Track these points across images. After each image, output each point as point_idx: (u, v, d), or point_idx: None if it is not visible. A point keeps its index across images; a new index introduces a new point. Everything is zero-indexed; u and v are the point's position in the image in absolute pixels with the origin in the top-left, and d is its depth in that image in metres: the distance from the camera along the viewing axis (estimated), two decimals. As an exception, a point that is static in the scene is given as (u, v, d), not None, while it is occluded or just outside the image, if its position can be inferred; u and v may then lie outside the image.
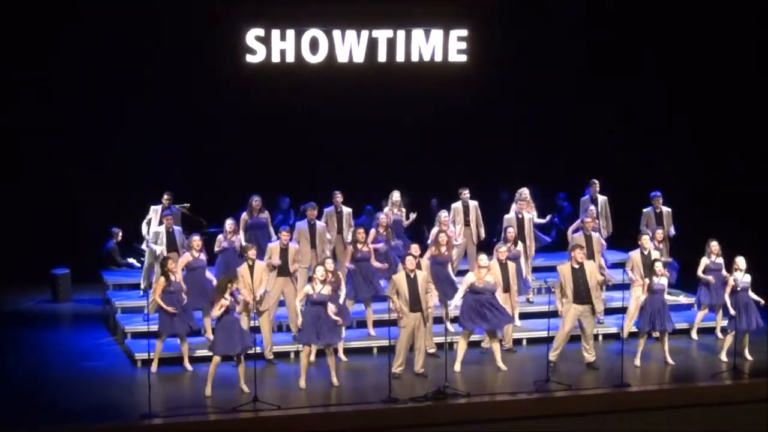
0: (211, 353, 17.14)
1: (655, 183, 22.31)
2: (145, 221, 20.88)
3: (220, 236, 19.83)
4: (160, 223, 20.27)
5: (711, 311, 20.00)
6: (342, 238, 20.73)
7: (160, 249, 19.88)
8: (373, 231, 19.92)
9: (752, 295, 18.60)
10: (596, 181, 22.00)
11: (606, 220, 21.79)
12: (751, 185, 24.81)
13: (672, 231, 21.16)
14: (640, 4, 25.21)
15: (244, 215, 20.46)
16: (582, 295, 18.10)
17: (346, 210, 21.00)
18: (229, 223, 19.82)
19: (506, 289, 18.40)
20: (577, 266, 18.15)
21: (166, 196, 21.07)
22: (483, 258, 18.10)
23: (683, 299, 20.93)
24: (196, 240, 18.98)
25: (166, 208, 20.87)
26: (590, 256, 19.79)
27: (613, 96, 25.53)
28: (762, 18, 24.44)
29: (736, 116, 25.16)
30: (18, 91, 22.96)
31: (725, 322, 19.21)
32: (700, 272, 19.47)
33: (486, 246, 20.48)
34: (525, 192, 21.39)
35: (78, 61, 23.15)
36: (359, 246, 19.34)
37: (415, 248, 18.56)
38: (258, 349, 17.76)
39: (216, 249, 19.68)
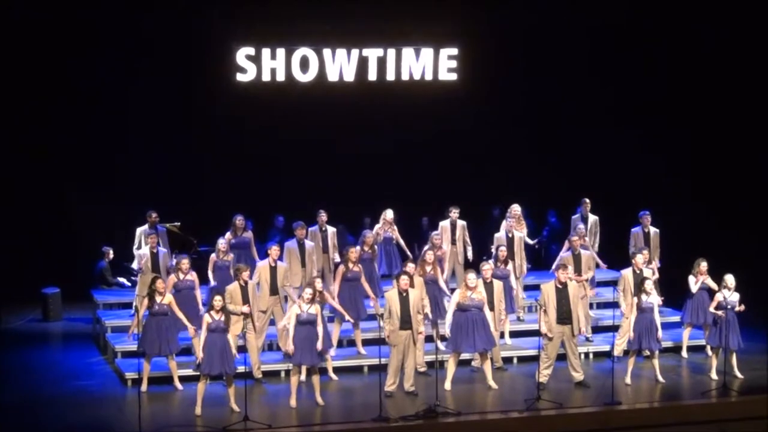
0: (199, 372, 17.15)
1: (652, 190, 22.40)
2: (135, 247, 20.85)
3: (213, 255, 19.82)
4: (146, 243, 20.25)
5: (698, 328, 20.03)
6: (328, 257, 20.75)
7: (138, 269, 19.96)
8: (358, 248, 19.92)
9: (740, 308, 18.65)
10: (587, 200, 22.04)
11: (594, 239, 21.78)
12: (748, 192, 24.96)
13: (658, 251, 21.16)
14: (634, 19, 25.29)
15: (228, 235, 20.41)
16: (564, 315, 18.11)
17: (331, 229, 21.02)
18: (221, 243, 19.82)
19: (491, 308, 18.37)
20: (560, 286, 18.19)
21: (153, 215, 21.07)
22: (471, 277, 18.10)
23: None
24: (184, 262, 18.95)
25: (152, 227, 20.86)
26: (579, 273, 19.80)
27: (608, 109, 25.60)
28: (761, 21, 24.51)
29: (734, 121, 25.28)
30: (12, 107, 22.98)
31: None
32: (694, 290, 19.51)
33: (474, 265, 20.44)
34: (516, 209, 21.41)
35: (71, 78, 23.19)
36: (350, 266, 19.34)
37: (410, 267, 18.57)
38: (245, 368, 17.72)
39: (210, 270, 19.65)
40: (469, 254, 21.26)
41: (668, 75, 25.67)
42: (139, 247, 20.66)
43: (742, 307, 18.58)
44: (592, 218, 21.95)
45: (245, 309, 17.85)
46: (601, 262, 20.96)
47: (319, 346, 17.27)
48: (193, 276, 18.98)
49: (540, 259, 23.36)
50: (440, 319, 18.99)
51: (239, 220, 20.58)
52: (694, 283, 19.45)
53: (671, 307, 21.11)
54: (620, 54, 25.51)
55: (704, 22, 24.93)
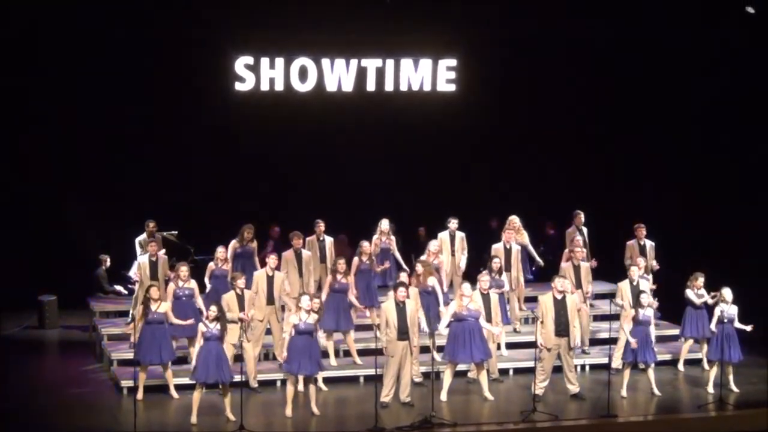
0: (194, 381, 17.13)
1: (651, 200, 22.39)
2: (140, 255, 20.78)
3: (211, 264, 19.81)
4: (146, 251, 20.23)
5: (697, 343, 20.04)
6: (325, 267, 20.75)
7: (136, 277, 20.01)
8: (356, 259, 19.91)
9: (738, 325, 18.62)
10: (581, 212, 22.05)
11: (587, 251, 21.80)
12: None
13: (654, 265, 21.09)
14: (630, 36, 25.31)
15: (234, 242, 20.34)
16: (562, 327, 18.11)
17: (328, 239, 21.01)
18: (220, 251, 19.79)
19: (487, 319, 18.35)
20: (558, 297, 18.19)
21: (151, 224, 21.04)
22: (466, 287, 18.11)
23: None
24: (183, 269, 18.95)
25: (150, 237, 20.82)
26: (579, 285, 19.81)
27: (608, 120, 25.61)
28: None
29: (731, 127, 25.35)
30: (9, 111, 22.99)
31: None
32: (697, 302, 19.50)
33: (469, 275, 20.39)
34: (514, 220, 21.41)
35: (69, 85, 23.18)
36: (338, 277, 19.33)
37: (405, 276, 18.57)
38: (242, 377, 17.69)
39: (207, 278, 19.63)
40: (463, 264, 21.21)
41: (668, 81, 25.63)
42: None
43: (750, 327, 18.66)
44: (585, 230, 21.96)
45: (241, 315, 17.88)
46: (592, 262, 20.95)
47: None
48: (192, 284, 18.98)
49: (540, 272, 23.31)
50: (436, 331, 18.98)
51: (248, 230, 20.52)
52: (694, 296, 19.45)
53: (668, 320, 21.10)
54: (620, 62, 25.51)
55: (703, 26, 24.92)
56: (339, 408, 18.11)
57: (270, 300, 18.93)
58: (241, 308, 18.07)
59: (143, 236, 21.00)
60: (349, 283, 19.41)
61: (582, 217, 22.03)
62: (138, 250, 20.95)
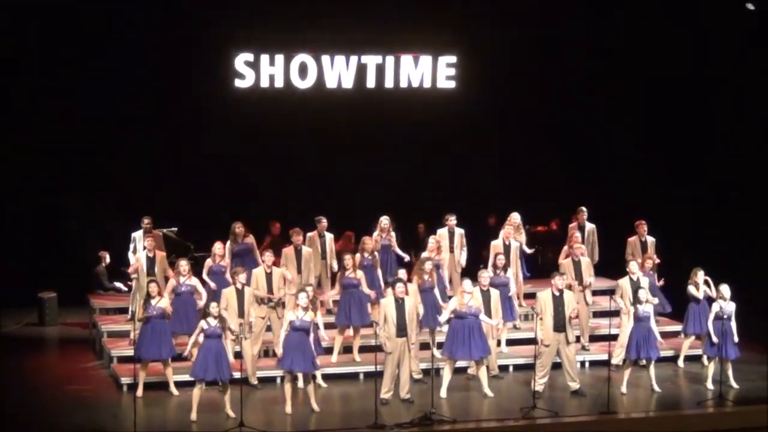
0: (193, 378, 17.12)
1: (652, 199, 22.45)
2: (131, 251, 20.79)
3: (208, 260, 19.80)
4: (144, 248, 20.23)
5: (699, 339, 20.02)
6: (326, 263, 20.73)
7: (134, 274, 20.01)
8: (357, 256, 19.89)
9: (733, 325, 18.59)
10: (584, 209, 22.03)
11: (593, 248, 21.78)
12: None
13: (655, 258, 21.07)
14: (631, 34, 25.30)
15: (229, 244, 20.25)
16: (560, 323, 18.11)
17: (329, 236, 20.99)
18: (217, 247, 19.77)
19: (488, 315, 18.33)
20: (557, 293, 18.19)
21: (146, 221, 21.00)
22: (467, 284, 18.12)
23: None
24: (183, 265, 18.94)
25: (148, 233, 20.80)
26: (580, 280, 19.80)
27: (609, 118, 25.60)
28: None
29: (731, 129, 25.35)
30: (5, 109, 22.97)
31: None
32: (699, 296, 19.49)
33: (468, 272, 20.37)
34: (513, 218, 21.39)
35: (69, 83, 23.17)
36: (347, 272, 19.33)
37: (403, 273, 18.57)
38: (242, 374, 17.70)
39: (204, 274, 19.62)
40: (463, 260, 21.20)
41: (668, 82, 25.63)
42: (135, 252, 20.63)
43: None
44: (589, 227, 21.95)
45: (233, 326, 17.72)
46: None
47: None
48: (193, 281, 18.97)
49: (537, 268, 23.31)
50: (438, 327, 18.97)
51: (238, 227, 20.48)
52: (696, 292, 19.44)
53: (666, 316, 21.09)
54: (620, 62, 25.50)
55: (703, 30, 24.93)
56: (339, 405, 18.12)
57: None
58: (240, 304, 18.04)
59: (139, 232, 20.95)
60: (359, 279, 19.40)
61: (585, 214, 22.01)
62: (131, 245, 20.89)
